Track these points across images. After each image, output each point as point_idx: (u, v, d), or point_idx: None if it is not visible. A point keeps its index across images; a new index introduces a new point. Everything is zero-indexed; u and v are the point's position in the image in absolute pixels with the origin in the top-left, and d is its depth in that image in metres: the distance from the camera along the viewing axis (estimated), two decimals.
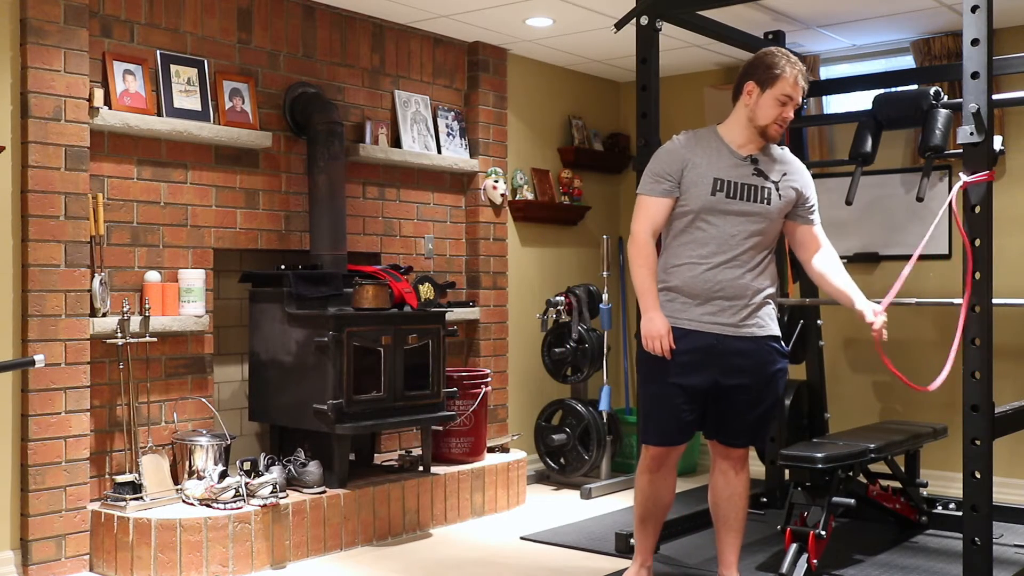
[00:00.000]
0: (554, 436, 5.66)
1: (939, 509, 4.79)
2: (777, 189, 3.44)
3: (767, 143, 3.50)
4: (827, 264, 3.57)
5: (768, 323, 3.48)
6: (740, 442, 3.55)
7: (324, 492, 4.35)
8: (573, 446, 5.66)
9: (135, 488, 4.03)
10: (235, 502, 4.04)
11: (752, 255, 3.42)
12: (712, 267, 3.39)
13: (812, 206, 3.55)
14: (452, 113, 5.60)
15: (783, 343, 3.56)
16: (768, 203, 3.42)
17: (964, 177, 3.45)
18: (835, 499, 3.96)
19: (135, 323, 4.13)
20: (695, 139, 3.50)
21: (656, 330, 3.38)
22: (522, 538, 4.67)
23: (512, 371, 5.92)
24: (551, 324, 5.77)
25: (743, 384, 3.44)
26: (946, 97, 4.59)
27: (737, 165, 3.43)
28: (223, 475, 4.14)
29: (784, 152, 3.56)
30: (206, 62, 4.47)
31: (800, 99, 3.46)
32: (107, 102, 4.11)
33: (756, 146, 3.48)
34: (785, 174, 3.48)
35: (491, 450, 5.43)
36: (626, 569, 3.77)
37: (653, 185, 3.46)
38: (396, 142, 5.28)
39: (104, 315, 4.07)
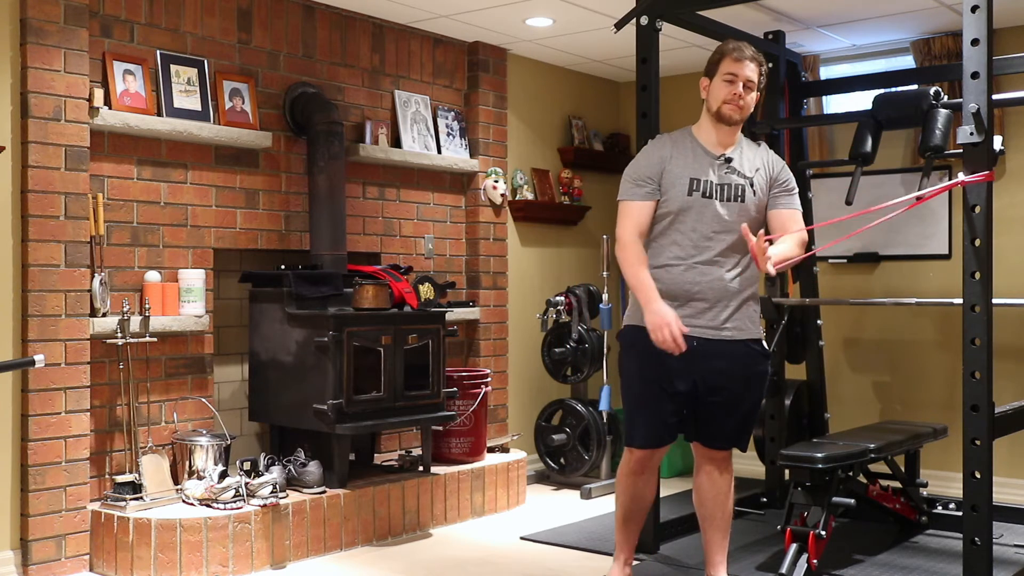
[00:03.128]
0: (554, 436, 5.66)
1: (939, 509, 4.79)
2: (752, 185, 3.45)
3: (740, 141, 3.50)
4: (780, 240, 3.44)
5: (749, 326, 3.47)
6: (723, 445, 3.56)
7: (324, 492, 4.35)
8: (573, 446, 5.66)
9: (135, 488, 4.03)
10: (235, 502, 4.04)
11: (731, 255, 3.42)
12: (690, 267, 3.40)
13: (786, 187, 3.50)
14: (452, 113, 5.60)
15: (765, 345, 3.55)
16: (743, 200, 3.42)
17: (963, 176, 3.45)
18: (835, 499, 3.95)
19: (135, 323, 4.13)
20: (671, 141, 3.52)
21: (663, 319, 3.29)
22: (522, 538, 4.67)
23: (512, 371, 5.92)
24: (551, 324, 5.77)
25: (724, 387, 3.44)
26: (946, 97, 4.59)
27: (712, 164, 3.44)
28: (223, 475, 4.14)
29: (760, 147, 3.56)
30: (206, 62, 4.47)
31: (751, 76, 3.41)
32: (107, 102, 4.11)
33: (729, 143, 3.48)
34: (758, 168, 3.49)
35: (491, 450, 5.43)
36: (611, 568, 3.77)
37: (635, 189, 3.45)
38: (396, 142, 5.28)
39: (104, 315, 4.07)
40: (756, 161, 3.49)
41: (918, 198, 3.90)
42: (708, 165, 3.43)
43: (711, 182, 3.41)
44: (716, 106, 3.43)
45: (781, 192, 3.50)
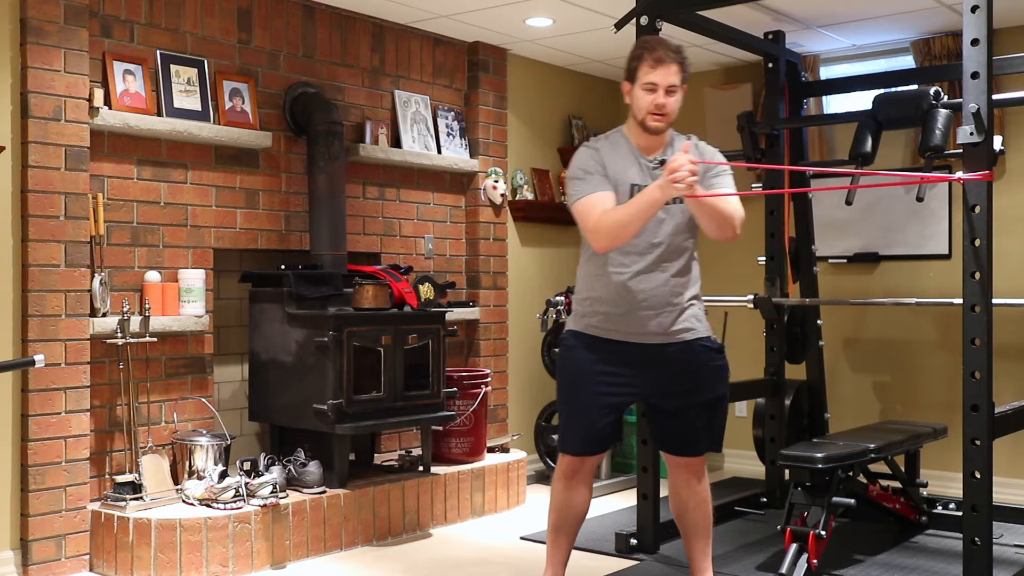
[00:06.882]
0: (554, 436, 5.64)
1: (939, 509, 4.79)
2: None
3: (671, 139, 3.36)
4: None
5: (696, 325, 3.36)
6: (697, 450, 3.45)
7: (324, 492, 4.35)
8: None
9: (135, 488, 4.03)
10: (235, 502, 4.04)
11: (673, 258, 3.30)
12: (634, 275, 3.27)
13: (716, 174, 3.33)
14: (452, 113, 5.60)
15: (716, 339, 3.45)
16: (680, 200, 3.25)
17: (962, 175, 3.45)
18: (835, 499, 3.95)
19: (135, 323, 4.13)
20: (607, 144, 3.37)
21: (666, 179, 3.00)
22: (522, 538, 4.67)
23: (512, 371, 5.92)
24: (551, 324, 5.77)
25: (684, 391, 3.36)
26: (946, 97, 4.59)
27: (645, 169, 3.30)
28: (223, 475, 4.14)
29: (691, 141, 3.32)
30: (206, 62, 4.47)
31: (673, 81, 3.26)
32: (107, 102, 4.11)
33: (660, 145, 3.33)
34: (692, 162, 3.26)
35: (491, 450, 5.43)
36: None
37: (595, 182, 3.26)
38: (396, 142, 5.28)
39: (104, 315, 4.07)
40: (690, 156, 3.30)
41: (922, 178, 3.87)
42: (645, 170, 3.31)
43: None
44: (641, 116, 3.29)
45: (712, 176, 3.33)
